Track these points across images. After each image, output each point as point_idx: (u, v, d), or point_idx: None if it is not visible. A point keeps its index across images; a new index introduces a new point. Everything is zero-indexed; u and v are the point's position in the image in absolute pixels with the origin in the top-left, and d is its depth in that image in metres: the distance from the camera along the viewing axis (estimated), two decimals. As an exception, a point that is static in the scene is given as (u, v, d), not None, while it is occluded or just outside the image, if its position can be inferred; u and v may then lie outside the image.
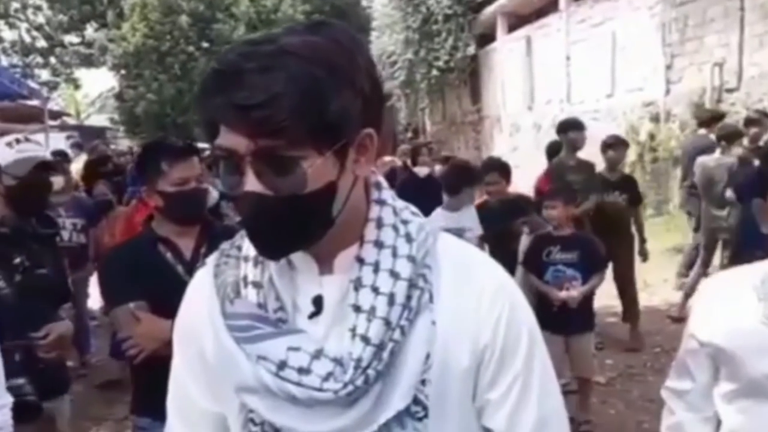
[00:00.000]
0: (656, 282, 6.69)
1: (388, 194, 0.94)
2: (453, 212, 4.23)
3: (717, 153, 5.50)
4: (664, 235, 7.71)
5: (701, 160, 5.62)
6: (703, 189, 5.62)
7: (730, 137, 5.43)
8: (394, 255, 0.89)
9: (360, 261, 0.89)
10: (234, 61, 0.78)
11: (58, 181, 4.28)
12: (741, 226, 4.67)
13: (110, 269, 2.28)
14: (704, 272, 5.52)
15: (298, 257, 0.90)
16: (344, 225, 0.88)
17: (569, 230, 4.03)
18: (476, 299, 0.91)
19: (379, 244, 0.89)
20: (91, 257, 4.91)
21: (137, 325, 2.03)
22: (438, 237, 0.95)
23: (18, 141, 2.38)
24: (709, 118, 6.68)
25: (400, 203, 0.95)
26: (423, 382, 0.87)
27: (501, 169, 4.56)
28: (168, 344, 1.07)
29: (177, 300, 1.03)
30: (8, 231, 2.36)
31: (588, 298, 3.96)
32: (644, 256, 5.50)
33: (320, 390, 0.84)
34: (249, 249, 0.92)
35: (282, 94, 0.76)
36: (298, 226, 0.84)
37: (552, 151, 5.95)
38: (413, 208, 0.97)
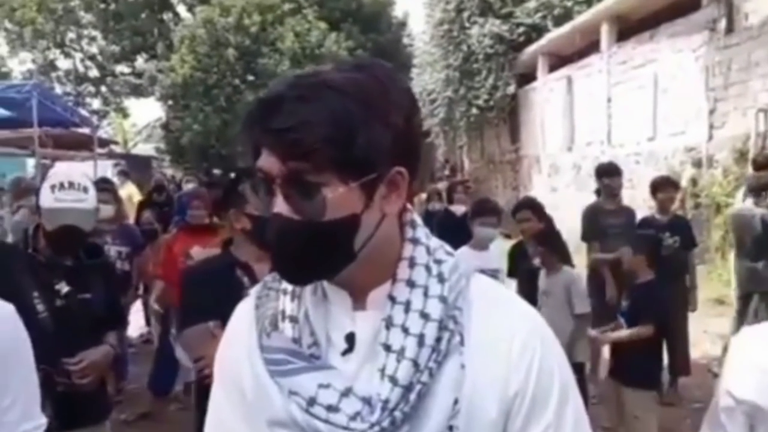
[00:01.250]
0: (696, 333, 6.46)
1: (422, 233, 0.94)
2: (480, 251, 4.22)
3: (748, 203, 5.34)
4: (705, 285, 7.34)
5: (733, 210, 5.49)
6: (736, 239, 5.45)
7: (760, 189, 5.28)
8: (426, 295, 0.88)
9: (392, 299, 0.89)
10: (278, 91, 0.84)
11: (107, 209, 4.41)
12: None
13: (188, 288, 2.31)
14: (741, 325, 5.34)
15: (333, 292, 0.91)
16: (376, 262, 0.89)
17: (647, 277, 3.86)
18: (508, 343, 0.89)
19: (411, 284, 0.89)
20: (134, 285, 5.02)
21: (213, 343, 2.04)
22: (471, 278, 0.94)
23: (62, 186, 2.29)
24: None
25: (435, 242, 0.94)
26: (450, 428, 0.85)
27: (532, 207, 4.51)
28: None
29: None
30: (45, 260, 2.38)
31: (647, 353, 3.69)
32: (693, 304, 5.18)
33: (347, 429, 0.84)
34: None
35: (313, 121, 0.80)
36: (317, 254, 0.85)
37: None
38: (448, 248, 0.96)
